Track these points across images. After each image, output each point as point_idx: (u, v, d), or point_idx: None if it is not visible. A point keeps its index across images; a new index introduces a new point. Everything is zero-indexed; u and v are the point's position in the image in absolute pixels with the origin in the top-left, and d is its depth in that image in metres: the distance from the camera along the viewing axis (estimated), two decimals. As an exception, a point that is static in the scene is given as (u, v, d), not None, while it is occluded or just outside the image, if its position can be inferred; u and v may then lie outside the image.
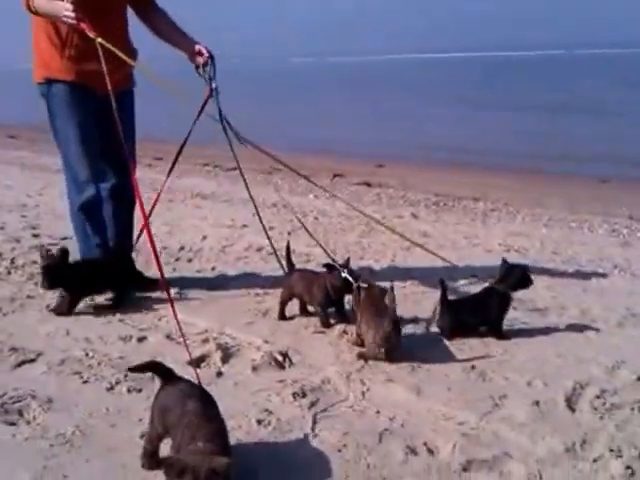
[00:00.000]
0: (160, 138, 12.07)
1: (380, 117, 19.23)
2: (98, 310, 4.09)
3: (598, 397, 3.04)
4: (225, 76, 4.50)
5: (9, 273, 4.73)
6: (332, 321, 3.87)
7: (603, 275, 5.04)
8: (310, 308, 3.98)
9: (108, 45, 3.77)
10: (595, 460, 2.54)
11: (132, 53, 4.14)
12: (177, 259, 5.28)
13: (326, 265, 3.78)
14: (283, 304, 3.97)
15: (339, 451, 2.60)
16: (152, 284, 4.36)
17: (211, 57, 4.00)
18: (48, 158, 11.11)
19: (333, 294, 3.76)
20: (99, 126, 4.11)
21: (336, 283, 3.71)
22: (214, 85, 3.97)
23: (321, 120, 18.67)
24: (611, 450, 2.60)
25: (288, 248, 4.07)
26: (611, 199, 8.68)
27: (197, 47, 4.04)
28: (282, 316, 3.96)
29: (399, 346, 3.34)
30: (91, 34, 3.75)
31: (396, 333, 3.30)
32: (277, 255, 4.22)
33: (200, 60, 4.01)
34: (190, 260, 5.28)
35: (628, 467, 2.49)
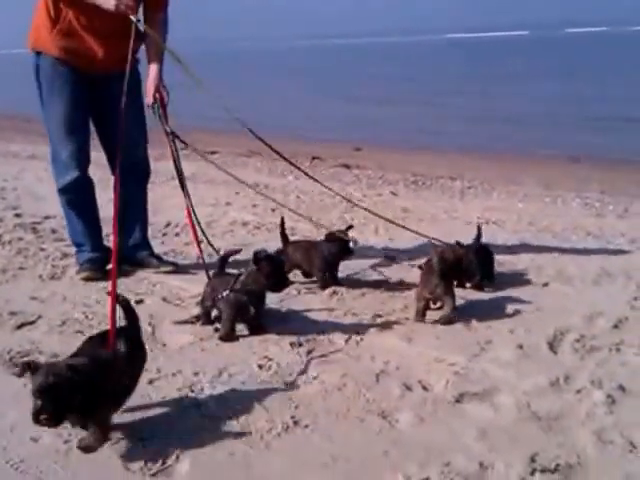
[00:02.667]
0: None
1: (352, 101, 19.32)
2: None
3: (578, 341, 3.23)
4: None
5: (-3, 249, 4.79)
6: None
7: (578, 241, 5.26)
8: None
9: (148, 28, 3.86)
10: (578, 391, 2.73)
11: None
12: (164, 234, 5.37)
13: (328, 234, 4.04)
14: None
15: (339, 390, 2.75)
16: (172, 265, 4.36)
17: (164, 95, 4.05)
18: (17, 146, 11.07)
19: (330, 259, 3.99)
20: (99, 113, 4.09)
21: (333, 250, 3.96)
22: (168, 129, 4.04)
23: (296, 104, 18.71)
24: (592, 382, 2.79)
25: (282, 224, 4.17)
26: (582, 177, 8.93)
27: (149, 85, 4.04)
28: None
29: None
30: (133, 17, 3.78)
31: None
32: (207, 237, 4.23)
33: (149, 100, 4.04)
34: (177, 234, 5.38)
35: (609, 396, 2.68)
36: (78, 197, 4.15)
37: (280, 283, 3.32)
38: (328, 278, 4.02)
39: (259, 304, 3.32)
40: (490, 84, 23.29)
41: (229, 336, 3.24)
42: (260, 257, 3.27)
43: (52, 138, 4.08)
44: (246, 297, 3.24)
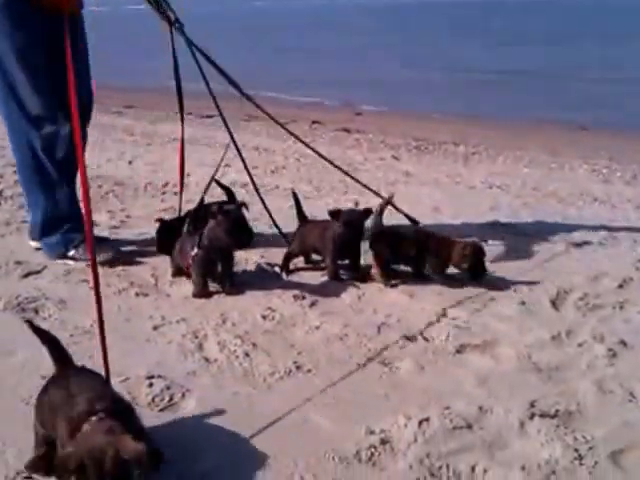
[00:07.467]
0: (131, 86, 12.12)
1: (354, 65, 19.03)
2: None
3: (581, 299, 3.23)
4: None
5: (-1, 204, 4.80)
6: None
7: (583, 206, 5.24)
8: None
9: None
10: (580, 345, 2.75)
11: None
12: (164, 192, 5.38)
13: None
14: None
15: (341, 339, 2.78)
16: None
17: None
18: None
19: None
20: (55, 57, 3.31)
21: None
22: (172, 16, 3.52)
23: (295, 69, 18.48)
24: (594, 337, 2.81)
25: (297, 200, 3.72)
26: (591, 144, 8.82)
27: None
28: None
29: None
30: None
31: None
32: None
33: None
34: (176, 193, 5.37)
35: (610, 349, 2.70)
36: (60, 154, 3.56)
37: (244, 237, 3.15)
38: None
39: (226, 261, 3.24)
40: (494, 46, 22.98)
41: (201, 292, 3.20)
42: (215, 211, 3.14)
43: (19, 91, 3.40)
44: (212, 254, 3.17)
